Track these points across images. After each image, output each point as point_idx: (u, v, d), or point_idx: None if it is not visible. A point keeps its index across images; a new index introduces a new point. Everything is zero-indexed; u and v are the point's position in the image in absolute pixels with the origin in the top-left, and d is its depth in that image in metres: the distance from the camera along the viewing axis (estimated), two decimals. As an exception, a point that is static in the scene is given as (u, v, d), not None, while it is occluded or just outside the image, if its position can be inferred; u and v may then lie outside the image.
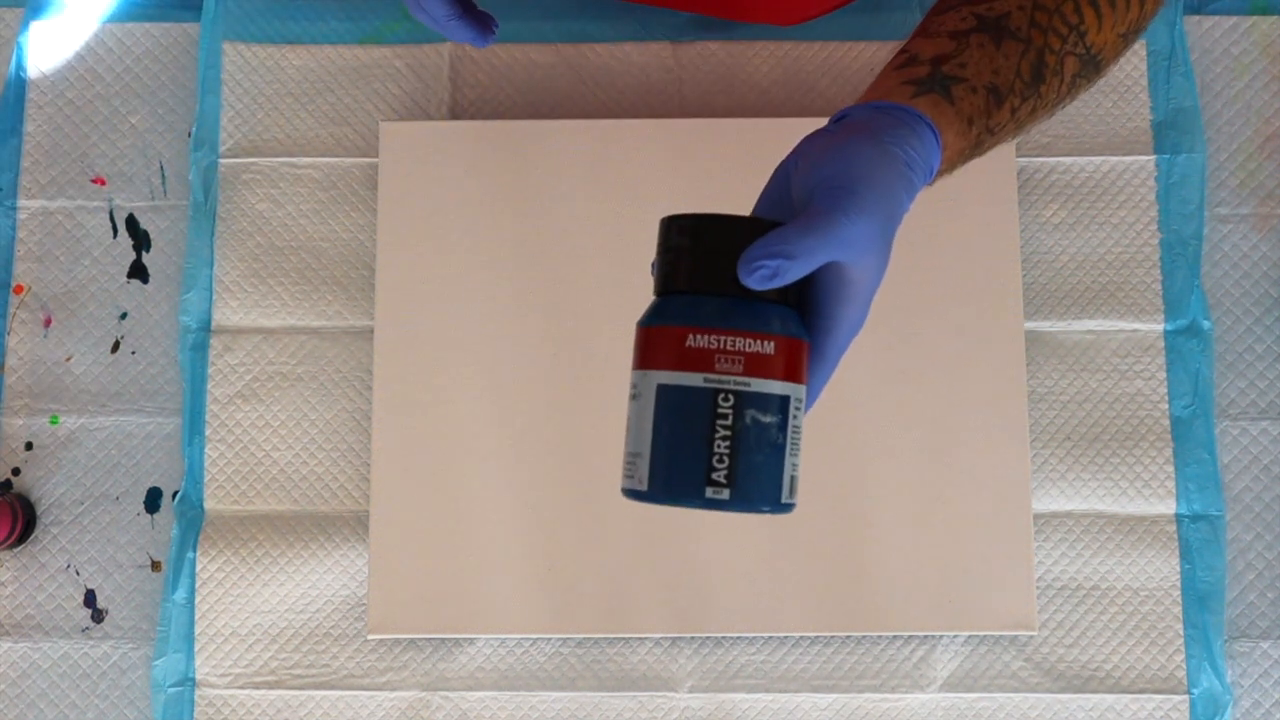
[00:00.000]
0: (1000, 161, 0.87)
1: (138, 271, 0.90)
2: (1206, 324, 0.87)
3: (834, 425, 0.84)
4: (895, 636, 0.84)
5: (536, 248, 0.86)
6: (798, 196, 0.55)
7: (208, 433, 0.87)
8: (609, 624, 0.83)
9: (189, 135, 0.91)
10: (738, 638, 0.84)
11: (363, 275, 0.89)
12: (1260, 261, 0.89)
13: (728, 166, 0.87)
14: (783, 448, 0.52)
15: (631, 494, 0.53)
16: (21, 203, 0.90)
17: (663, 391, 0.52)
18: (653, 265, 0.56)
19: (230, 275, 0.89)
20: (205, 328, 0.88)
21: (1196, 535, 0.85)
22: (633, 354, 0.54)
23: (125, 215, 0.90)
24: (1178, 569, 0.84)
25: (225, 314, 0.88)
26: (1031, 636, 0.84)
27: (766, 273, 0.51)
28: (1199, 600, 0.84)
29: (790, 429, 0.52)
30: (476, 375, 0.85)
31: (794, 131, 0.86)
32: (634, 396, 0.53)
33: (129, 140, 0.91)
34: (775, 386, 0.51)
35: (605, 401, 0.84)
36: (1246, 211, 0.89)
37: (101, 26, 0.93)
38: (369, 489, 0.85)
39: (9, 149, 0.91)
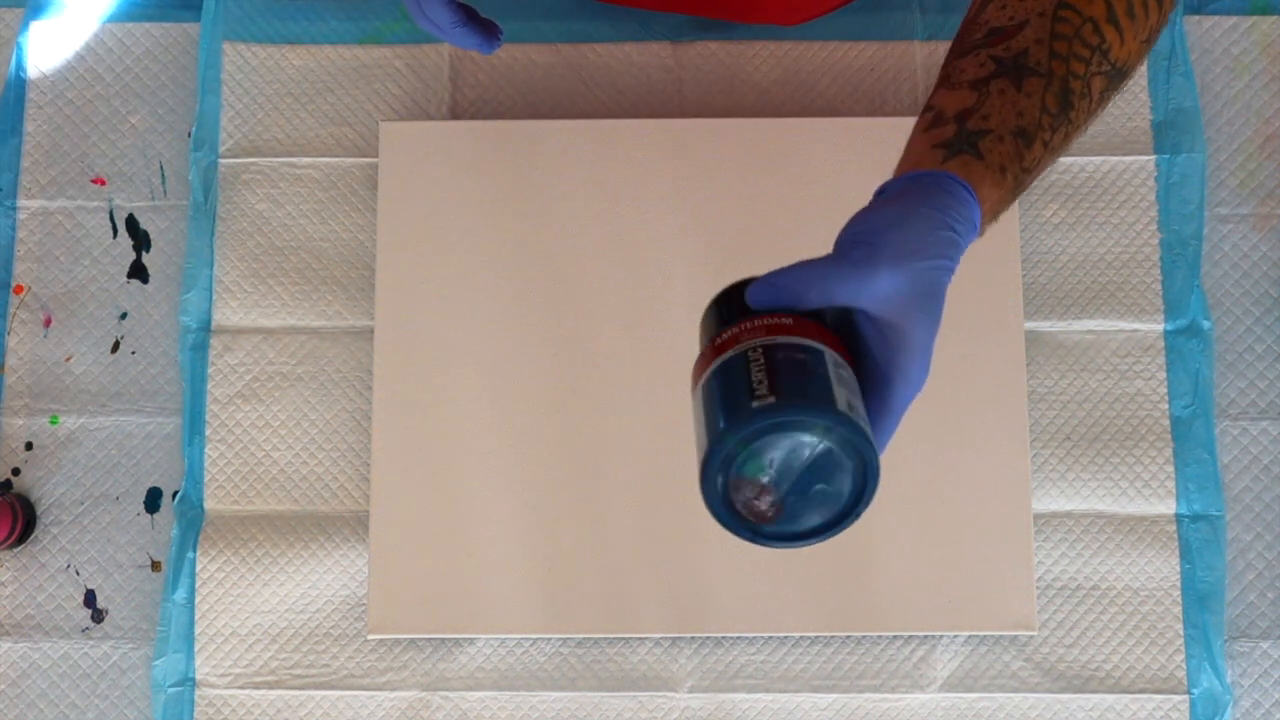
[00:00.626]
0: (1000, 161, 0.87)
1: (138, 271, 0.90)
2: (1206, 324, 0.87)
3: (834, 425, 0.84)
4: (895, 636, 0.84)
5: (536, 248, 0.86)
6: None
7: (208, 433, 0.87)
8: (609, 624, 0.83)
9: (189, 135, 0.91)
10: (738, 638, 0.84)
11: (363, 275, 0.89)
12: (1260, 261, 0.89)
13: (728, 166, 0.87)
14: (826, 377, 0.51)
15: (703, 486, 0.51)
16: (21, 203, 0.90)
17: (705, 383, 0.53)
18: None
19: (230, 275, 0.89)
20: (205, 328, 0.88)
21: (1196, 535, 0.85)
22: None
23: (125, 215, 0.90)
24: (1178, 569, 0.84)
25: (225, 314, 0.88)
26: (1031, 636, 0.84)
27: (771, 292, 0.53)
28: (1199, 600, 0.84)
29: (833, 372, 0.52)
30: (476, 375, 0.85)
31: (794, 132, 0.87)
32: (695, 419, 0.53)
33: (129, 140, 0.91)
34: (802, 340, 0.52)
35: (605, 401, 0.84)
36: (1246, 211, 0.89)
37: (101, 26, 0.93)
38: (369, 489, 0.85)
39: (9, 149, 0.91)
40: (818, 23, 0.91)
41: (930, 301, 0.55)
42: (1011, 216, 0.87)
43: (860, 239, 0.55)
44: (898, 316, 0.54)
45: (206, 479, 0.86)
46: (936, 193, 0.57)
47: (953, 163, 0.58)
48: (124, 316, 0.89)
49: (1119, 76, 0.63)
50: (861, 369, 0.55)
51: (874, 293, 0.53)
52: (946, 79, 0.62)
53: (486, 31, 0.71)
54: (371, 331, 0.87)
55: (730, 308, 0.55)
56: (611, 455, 0.84)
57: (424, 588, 0.83)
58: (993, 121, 0.59)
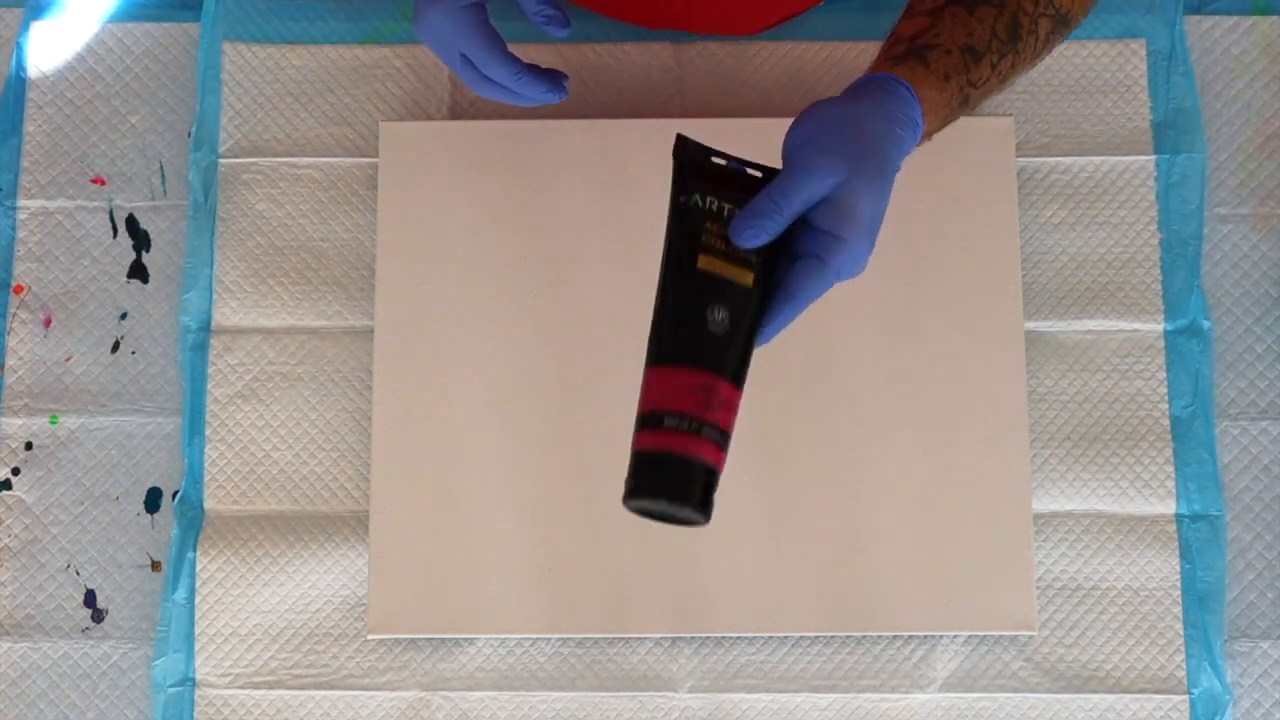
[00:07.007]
0: (1000, 161, 0.87)
1: (138, 271, 0.90)
2: (1206, 324, 0.87)
3: (834, 425, 0.84)
4: (895, 636, 0.84)
5: (536, 248, 0.86)
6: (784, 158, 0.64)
7: (208, 433, 0.87)
8: (609, 624, 0.83)
9: (189, 135, 0.91)
10: (738, 638, 0.84)
11: (363, 275, 0.89)
12: (1260, 261, 0.89)
13: (728, 166, 0.86)
14: None
15: None
16: (21, 203, 0.90)
17: None
18: None
19: (230, 275, 0.89)
20: (205, 328, 0.88)
21: (1196, 535, 0.85)
22: None
23: (125, 215, 0.90)
24: (1178, 569, 0.84)
25: (225, 314, 0.88)
26: (1031, 636, 0.84)
27: (755, 231, 0.60)
28: (1199, 600, 0.84)
29: None
30: (477, 375, 0.85)
31: (794, 131, 0.87)
32: None
33: (129, 140, 0.91)
34: None
35: (605, 401, 0.84)
36: (1246, 211, 0.89)
37: (101, 26, 0.93)
38: (369, 489, 0.85)
39: (9, 149, 0.91)
40: (817, 23, 0.91)
41: (876, 184, 0.60)
42: (1011, 216, 0.87)
43: (811, 139, 0.61)
44: (850, 194, 0.60)
45: (206, 479, 0.86)
46: (875, 91, 0.63)
47: (899, 68, 0.64)
48: (124, 316, 0.89)
49: (1062, 23, 0.70)
50: (803, 238, 0.61)
51: (833, 186, 0.60)
52: (909, 10, 0.69)
53: (551, 79, 0.73)
54: (371, 331, 0.87)
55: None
56: (612, 455, 0.84)
57: (424, 588, 0.83)
58: (943, 38, 0.65)
